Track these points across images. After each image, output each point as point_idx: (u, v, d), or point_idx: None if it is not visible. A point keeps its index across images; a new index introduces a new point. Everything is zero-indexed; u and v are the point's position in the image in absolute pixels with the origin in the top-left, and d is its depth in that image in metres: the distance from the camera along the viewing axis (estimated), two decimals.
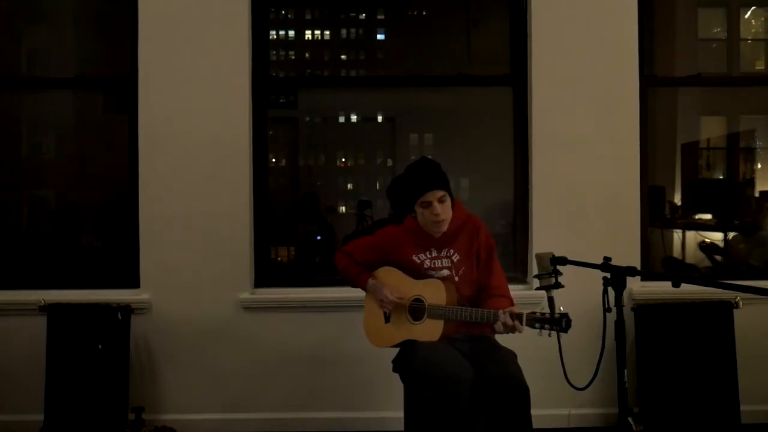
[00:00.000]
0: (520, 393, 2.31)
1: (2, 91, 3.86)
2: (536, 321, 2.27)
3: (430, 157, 2.63)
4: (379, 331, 2.65)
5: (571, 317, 2.30)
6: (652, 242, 3.94)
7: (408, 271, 2.60)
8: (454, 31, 4.80)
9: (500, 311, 2.37)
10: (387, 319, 2.63)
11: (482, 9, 4.48)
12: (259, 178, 3.57)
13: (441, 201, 2.48)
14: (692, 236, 4.72)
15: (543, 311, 2.26)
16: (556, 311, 2.22)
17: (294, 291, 3.52)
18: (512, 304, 2.53)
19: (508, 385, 2.31)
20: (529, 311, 2.32)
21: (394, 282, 2.59)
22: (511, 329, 2.35)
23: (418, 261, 2.59)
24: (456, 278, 2.56)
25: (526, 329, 2.34)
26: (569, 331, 2.21)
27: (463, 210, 2.65)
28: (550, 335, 2.23)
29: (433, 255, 2.59)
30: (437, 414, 2.29)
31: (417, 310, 2.54)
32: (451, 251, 2.59)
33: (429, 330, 2.49)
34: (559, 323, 2.21)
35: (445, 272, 2.57)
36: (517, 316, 2.33)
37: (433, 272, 2.57)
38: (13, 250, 3.92)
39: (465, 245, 2.59)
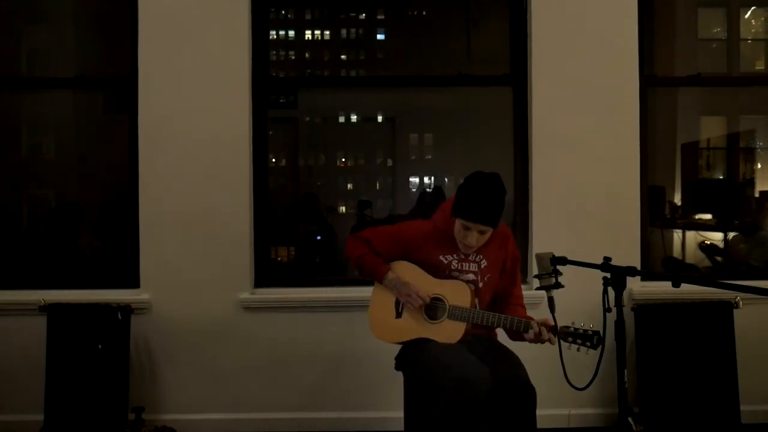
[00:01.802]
0: (529, 396, 2.31)
1: (2, 91, 3.86)
2: (569, 335, 2.30)
3: (496, 174, 2.45)
4: (388, 325, 2.58)
5: (571, 317, 2.33)
6: (652, 242, 3.94)
7: (430, 269, 2.54)
8: (454, 31, 4.81)
9: (533, 323, 2.37)
10: (398, 315, 2.57)
11: (482, 9, 4.48)
12: (259, 178, 3.56)
13: (481, 232, 2.42)
14: (692, 236, 4.73)
15: (576, 326, 2.30)
16: (587, 328, 2.27)
17: (294, 291, 3.51)
18: (526, 312, 2.59)
19: (518, 389, 2.30)
20: (562, 325, 2.33)
21: (413, 279, 2.54)
22: (542, 341, 2.37)
23: (445, 261, 2.53)
24: (480, 284, 2.53)
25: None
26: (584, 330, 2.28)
27: None
28: (579, 350, 2.28)
29: (462, 257, 2.53)
30: (456, 417, 2.26)
31: (434, 308, 2.51)
32: (480, 257, 2.54)
33: (448, 331, 2.45)
34: (591, 339, 2.26)
35: (471, 276, 2.52)
36: (550, 329, 2.34)
37: (458, 274, 2.52)
38: (13, 250, 3.92)
39: (494, 254, 2.56)
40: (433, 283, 2.51)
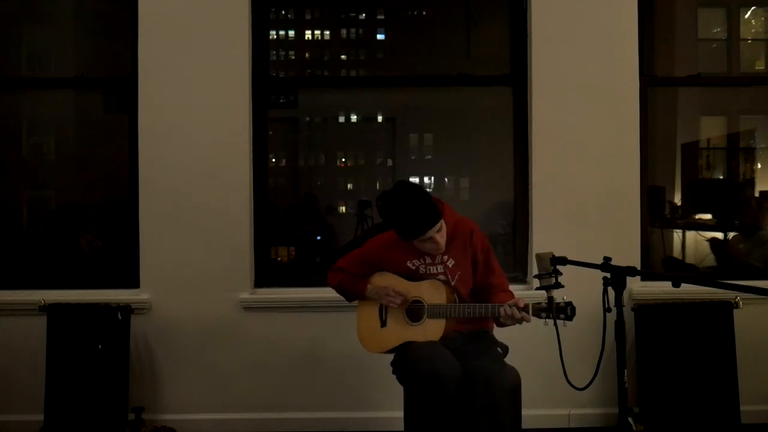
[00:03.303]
0: (492, 387, 2.31)
1: (2, 91, 3.86)
2: (542, 311, 2.31)
3: (409, 180, 2.52)
4: (376, 335, 2.62)
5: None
6: (652, 242, 3.95)
7: (402, 276, 2.59)
8: (454, 31, 4.80)
9: (504, 305, 2.39)
10: (383, 324, 2.60)
11: (482, 9, 4.48)
12: (259, 178, 3.57)
13: (437, 232, 2.44)
14: (692, 236, 4.73)
15: (547, 301, 2.29)
16: (559, 300, 2.26)
17: (294, 291, 3.52)
18: (513, 296, 2.60)
19: (481, 380, 2.32)
20: (534, 302, 2.34)
21: (391, 285, 2.57)
22: (519, 320, 2.38)
23: (413, 267, 2.58)
24: (453, 282, 2.56)
25: (535, 320, 2.37)
26: (573, 320, 2.27)
27: (453, 214, 2.61)
28: (555, 324, 2.26)
29: (428, 261, 2.57)
30: (425, 410, 2.32)
31: (414, 311, 2.54)
32: (446, 257, 2.56)
33: (430, 330, 2.49)
34: (564, 311, 2.26)
35: (441, 278, 2.56)
36: (523, 308, 2.35)
37: (429, 278, 2.56)
38: (13, 250, 3.92)
39: (460, 251, 2.57)
40: (410, 286, 2.56)
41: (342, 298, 2.77)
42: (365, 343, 2.66)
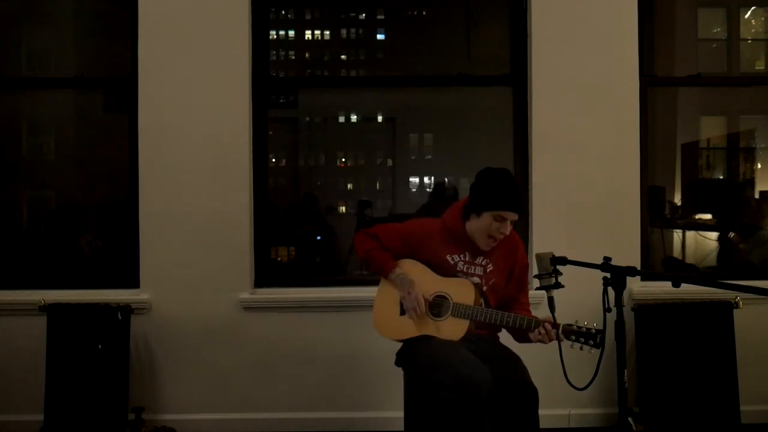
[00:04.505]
0: (532, 398, 2.32)
1: (2, 91, 3.86)
2: (572, 333, 2.29)
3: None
4: (392, 322, 2.57)
5: (571, 317, 2.33)
6: (652, 242, 3.94)
7: (435, 268, 2.54)
8: (454, 31, 4.81)
9: (542, 322, 2.34)
10: (403, 311, 2.55)
11: (482, 9, 4.48)
12: (259, 178, 3.57)
13: (512, 222, 2.47)
14: (692, 236, 4.73)
15: (579, 325, 2.28)
16: (590, 327, 2.25)
17: (294, 291, 3.52)
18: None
19: (520, 390, 2.31)
20: (565, 323, 2.32)
21: (418, 276, 2.53)
22: (551, 339, 2.34)
23: (452, 262, 2.53)
24: (484, 287, 2.53)
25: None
26: (576, 322, 2.28)
27: None
28: (581, 348, 2.26)
29: (468, 259, 2.53)
30: (455, 416, 2.25)
31: (438, 306, 2.50)
32: (486, 261, 2.54)
33: (452, 328, 2.45)
34: (594, 338, 2.24)
35: (476, 279, 2.53)
36: (553, 327, 2.32)
37: (463, 276, 2.53)
38: (13, 250, 3.92)
39: (501, 259, 2.56)
40: (438, 280, 2.52)
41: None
42: (380, 327, 2.60)
